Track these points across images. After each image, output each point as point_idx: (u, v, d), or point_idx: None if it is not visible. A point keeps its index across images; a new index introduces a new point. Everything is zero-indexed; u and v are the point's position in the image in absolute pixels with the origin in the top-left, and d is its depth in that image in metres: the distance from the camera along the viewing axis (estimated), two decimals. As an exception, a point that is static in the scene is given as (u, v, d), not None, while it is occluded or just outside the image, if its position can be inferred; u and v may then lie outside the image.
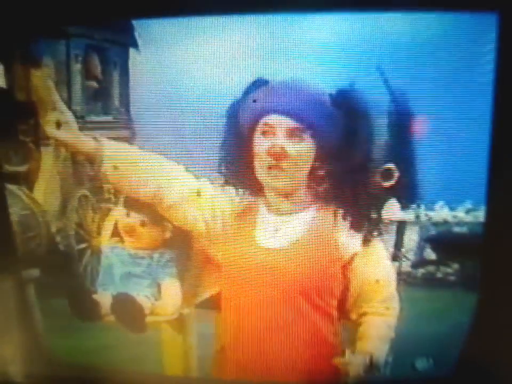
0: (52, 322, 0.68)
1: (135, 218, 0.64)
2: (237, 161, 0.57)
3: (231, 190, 0.60)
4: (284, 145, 0.54)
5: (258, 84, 0.56)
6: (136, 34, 0.58)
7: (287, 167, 0.55)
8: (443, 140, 0.57)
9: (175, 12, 0.55)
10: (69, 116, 0.57)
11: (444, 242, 0.60)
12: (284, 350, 0.59)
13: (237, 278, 0.60)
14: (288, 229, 0.58)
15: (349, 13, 0.55)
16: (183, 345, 0.67)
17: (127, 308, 0.64)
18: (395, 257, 0.61)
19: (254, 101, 0.55)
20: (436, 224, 0.60)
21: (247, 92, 0.56)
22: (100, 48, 0.60)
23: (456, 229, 0.60)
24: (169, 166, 0.59)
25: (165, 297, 0.66)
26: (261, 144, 0.55)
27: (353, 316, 0.60)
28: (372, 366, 0.57)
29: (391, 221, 0.59)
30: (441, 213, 0.59)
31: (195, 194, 0.59)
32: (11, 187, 0.64)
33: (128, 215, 0.64)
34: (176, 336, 0.67)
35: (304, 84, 0.55)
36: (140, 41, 0.58)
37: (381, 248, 0.59)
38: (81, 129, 0.59)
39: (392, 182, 0.57)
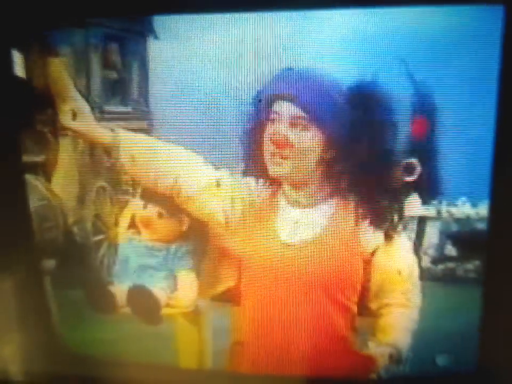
0: (67, 314, 0.69)
1: (152, 210, 0.64)
2: (253, 150, 0.57)
3: (250, 180, 0.59)
4: (287, 133, 0.54)
5: (275, 74, 0.55)
6: (156, 24, 0.57)
7: (290, 156, 0.54)
8: (467, 134, 0.55)
9: (193, 8, 0.54)
10: (84, 106, 0.57)
11: (465, 238, 0.60)
12: (302, 345, 0.59)
13: (256, 272, 0.59)
14: (307, 222, 0.58)
15: (359, 8, 0.54)
16: (198, 337, 0.67)
17: (142, 300, 0.64)
18: (415, 253, 0.60)
19: (260, 101, 0.54)
20: (457, 220, 0.59)
21: (264, 82, 0.55)
22: (119, 37, 0.59)
23: (478, 226, 0.59)
24: (187, 157, 0.58)
25: (181, 289, 0.66)
26: (267, 132, 0.55)
27: (374, 307, 0.59)
28: (396, 357, 0.57)
29: (412, 216, 0.58)
30: (463, 209, 0.58)
31: (214, 185, 0.58)
32: (28, 177, 0.64)
33: (145, 207, 0.64)
34: (191, 328, 0.67)
35: (317, 74, 0.54)
36: (159, 32, 0.57)
37: (403, 240, 0.59)
38: (99, 119, 0.59)
39: (414, 177, 0.56)
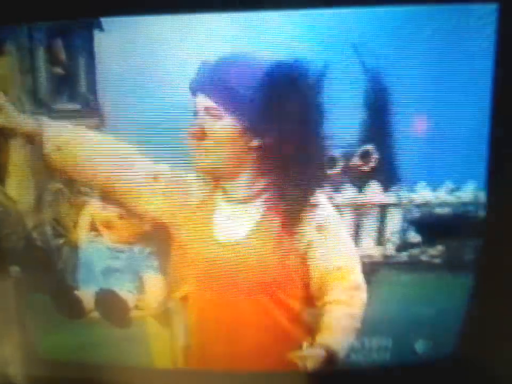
0: (36, 320, 0.67)
1: (112, 211, 0.62)
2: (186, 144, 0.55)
3: (188, 176, 0.57)
4: (202, 124, 0.52)
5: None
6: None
7: (209, 147, 0.53)
8: (423, 118, 0.54)
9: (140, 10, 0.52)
10: (2, 98, 0.54)
11: (427, 224, 0.59)
12: (247, 344, 0.58)
13: (196, 273, 0.58)
14: (241, 219, 0.56)
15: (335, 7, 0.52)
16: (170, 338, 0.66)
17: (110, 303, 0.63)
18: (379, 241, 0.59)
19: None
20: (418, 205, 0.58)
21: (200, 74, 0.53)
22: (63, 31, 0.56)
23: (439, 210, 0.58)
24: (122, 149, 0.56)
25: (148, 290, 0.64)
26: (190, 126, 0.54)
27: (318, 305, 0.58)
28: (330, 358, 0.56)
29: (372, 204, 0.57)
30: (423, 194, 0.57)
31: (151, 180, 0.56)
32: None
33: (104, 207, 0.62)
34: (162, 329, 0.66)
35: (241, 59, 0.52)
36: (104, 23, 0.54)
37: (340, 234, 0.57)
38: (47, 118, 0.56)
39: (371, 165, 0.55)
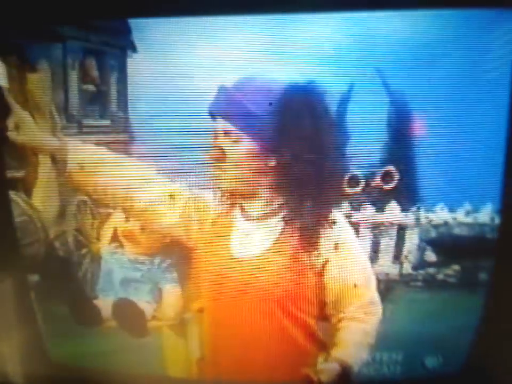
0: (53, 328, 0.68)
1: (134, 223, 0.63)
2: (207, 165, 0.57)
3: (207, 194, 0.59)
4: (222, 146, 0.54)
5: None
6: (134, 36, 0.57)
7: (227, 167, 0.55)
8: (443, 141, 0.56)
9: (172, 11, 0.54)
10: (26, 117, 0.56)
11: (444, 244, 0.60)
12: (261, 357, 0.59)
13: (213, 289, 0.59)
14: (259, 236, 0.58)
15: (350, 11, 0.54)
16: (185, 348, 0.66)
17: (128, 313, 0.64)
18: (396, 260, 0.60)
19: (270, 104, 0.54)
20: (436, 226, 0.60)
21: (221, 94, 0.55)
22: (97, 51, 0.59)
23: (456, 231, 0.60)
24: (140, 168, 0.58)
25: (166, 302, 0.65)
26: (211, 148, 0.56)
27: (334, 321, 0.59)
28: (344, 373, 0.56)
29: (391, 223, 0.58)
30: (441, 215, 0.59)
31: (168, 198, 0.58)
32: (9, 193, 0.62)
33: (127, 220, 0.63)
34: (178, 340, 0.66)
35: (262, 82, 0.54)
36: (137, 44, 0.56)
37: (357, 252, 0.58)
38: (78, 133, 0.58)
39: (392, 185, 0.56)
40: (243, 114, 0.53)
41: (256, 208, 0.57)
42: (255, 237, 0.57)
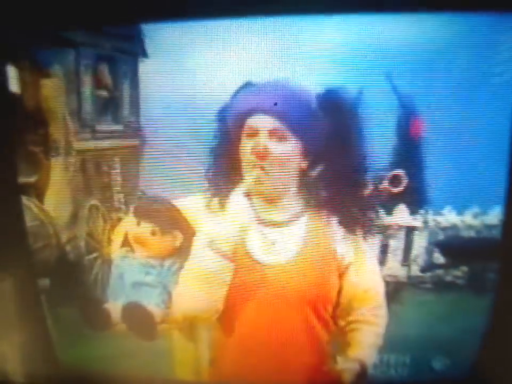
0: (63, 331, 0.68)
1: (145, 227, 0.63)
2: (229, 168, 0.57)
3: (227, 200, 0.59)
4: (267, 144, 0.55)
5: (251, 86, 0.56)
6: (145, 42, 0.57)
7: (271, 168, 0.55)
8: (451, 144, 0.57)
9: (182, 14, 0.55)
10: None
11: (452, 246, 0.61)
12: (287, 361, 0.59)
13: (236, 294, 0.59)
14: (284, 241, 0.58)
15: (356, 14, 0.55)
16: (195, 352, 0.66)
17: (138, 317, 0.64)
18: (404, 262, 0.61)
19: (275, 104, 0.54)
20: (444, 228, 0.60)
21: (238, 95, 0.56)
22: (110, 57, 0.60)
23: (464, 233, 0.60)
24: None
25: (176, 305, 0.65)
26: (246, 146, 0.56)
27: (342, 323, 0.61)
28: (362, 372, 0.58)
29: (399, 226, 0.59)
30: (449, 217, 0.59)
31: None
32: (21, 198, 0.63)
33: (138, 224, 0.63)
34: (187, 343, 0.66)
35: (293, 84, 0.56)
36: (149, 50, 0.57)
37: (371, 258, 0.60)
38: (91, 138, 0.58)
39: (400, 188, 0.57)
40: (294, 112, 0.54)
41: (279, 212, 0.58)
42: (280, 243, 0.57)
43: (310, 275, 0.57)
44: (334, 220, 0.58)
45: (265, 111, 0.54)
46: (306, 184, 0.57)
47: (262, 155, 0.54)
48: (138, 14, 0.56)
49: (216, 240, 0.58)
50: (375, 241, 0.60)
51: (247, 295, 0.59)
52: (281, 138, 0.55)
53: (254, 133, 0.55)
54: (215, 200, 0.59)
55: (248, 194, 0.58)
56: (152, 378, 0.67)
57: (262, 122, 0.55)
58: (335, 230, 0.58)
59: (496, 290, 0.61)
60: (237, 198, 0.58)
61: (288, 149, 0.55)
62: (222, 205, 0.58)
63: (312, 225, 0.58)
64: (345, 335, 0.59)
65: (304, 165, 0.56)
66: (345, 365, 0.58)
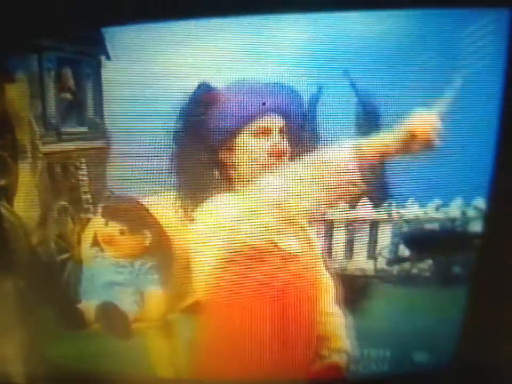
0: (40, 331, 0.68)
1: (113, 227, 0.64)
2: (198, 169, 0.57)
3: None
4: (281, 142, 0.55)
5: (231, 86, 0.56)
6: (107, 44, 0.58)
7: (284, 163, 0.55)
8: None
9: (144, 17, 0.55)
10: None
11: (416, 239, 0.61)
12: (276, 357, 0.59)
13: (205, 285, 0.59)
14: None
15: (338, 11, 0.55)
16: (170, 349, 0.67)
17: (111, 316, 0.65)
18: (370, 255, 0.61)
19: (264, 104, 0.55)
20: (407, 221, 0.61)
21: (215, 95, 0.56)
22: (72, 60, 0.60)
23: (428, 226, 0.61)
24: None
25: (149, 304, 0.66)
26: (256, 146, 0.55)
27: (324, 315, 0.61)
28: (349, 363, 0.58)
29: (364, 219, 0.60)
30: (412, 210, 0.60)
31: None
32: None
33: (106, 224, 0.64)
34: (162, 341, 0.67)
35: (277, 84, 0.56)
36: (111, 52, 0.58)
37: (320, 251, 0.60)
38: (56, 141, 0.59)
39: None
40: (292, 110, 0.55)
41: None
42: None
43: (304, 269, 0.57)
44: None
45: (275, 110, 0.55)
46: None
47: (279, 153, 0.54)
48: (100, 17, 0.56)
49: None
50: (338, 234, 0.60)
51: (238, 288, 0.58)
52: (286, 136, 0.56)
53: (265, 132, 0.55)
54: (185, 199, 0.59)
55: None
56: (133, 377, 0.68)
57: (273, 122, 0.55)
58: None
59: (466, 281, 0.61)
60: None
61: (296, 145, 0.56)
62: (194, 204, 0.59)
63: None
64: (326, 327, 0.60)
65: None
66: (335, 357, 0.59)
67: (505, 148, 0.57)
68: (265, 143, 0.55)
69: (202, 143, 0.57)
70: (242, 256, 0.55)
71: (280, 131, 0.55)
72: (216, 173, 0.58)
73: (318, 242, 0.59)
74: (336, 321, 0.60)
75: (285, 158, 0.55)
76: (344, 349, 0.60)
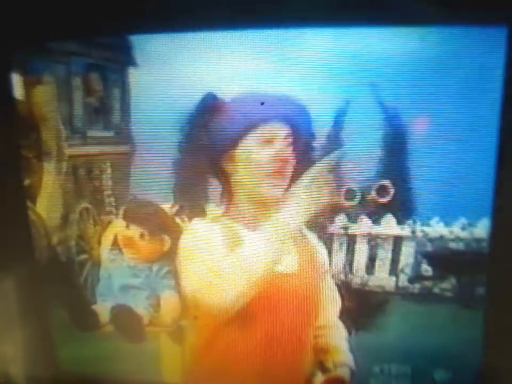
0: (54, 332, 0.69)
1: (134, 230, 0.65)
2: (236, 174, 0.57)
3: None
4: (286, 150, 0.55)
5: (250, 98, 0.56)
6: (135, 52, 0.59)
7: (290, 172, 0.55)
8: (438, 155, 0.57)
9: (171, 27, 0.56)
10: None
11: (440, 258, 0.60)
12: (280, 372, 0.59)
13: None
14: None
15: (348, 27, 0.55)
16: (182, 355, 0.67)
17: (125, 319, 0.65)
18: (392, 272, 0.60)
19: (262, 104, 0.55)
20: (431, 239, 0.60)
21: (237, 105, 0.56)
22: (100, 66, 0.61)
23: (452, 245, 0.60)
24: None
25: (164, 309, 0.66)
26: (263, 153, 0.55)
27: (322, 328, 0.61)
28: (353, 377, 0.58)
29: (387, 236, 0.59)
30: (437, 228, 0.59)
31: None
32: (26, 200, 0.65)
33: (127, 227, 0.65)
34: (174, 346, 0.67)
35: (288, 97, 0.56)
36: (138, 59, 0.59)
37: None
38: (82, 144, 0.60)
39: (387, 198, 0.57)
40: (298, 118, 0.55)
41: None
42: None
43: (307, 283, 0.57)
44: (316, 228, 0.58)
45: (279, 118, 0.55)
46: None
47: (284, 162, 0.54)
48: (128, 25, 0.57)
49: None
50: (360, 249, 0.60)
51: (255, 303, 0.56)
52: (292, 143, 0.55)
53: (270, 140, 0.55)
54: (208, 206, 0.59)
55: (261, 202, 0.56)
56: (141, 380, 0.68)
57: (279, 131, 0.55)
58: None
59: (486, 302, 0.59)
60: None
61: (302, 154, 0.56)
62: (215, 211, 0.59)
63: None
64: (327, 340, 0.59)
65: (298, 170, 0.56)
66: (339, 371, 0.58)
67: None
68: (270, 151, 0.54)
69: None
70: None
71: (286, 139, 0.55)
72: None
73: (323, 257, 0.58)
74: (335, 334, 0.59)
75: (289, 167, 0.55)
76: (346, 363, 0.59)
